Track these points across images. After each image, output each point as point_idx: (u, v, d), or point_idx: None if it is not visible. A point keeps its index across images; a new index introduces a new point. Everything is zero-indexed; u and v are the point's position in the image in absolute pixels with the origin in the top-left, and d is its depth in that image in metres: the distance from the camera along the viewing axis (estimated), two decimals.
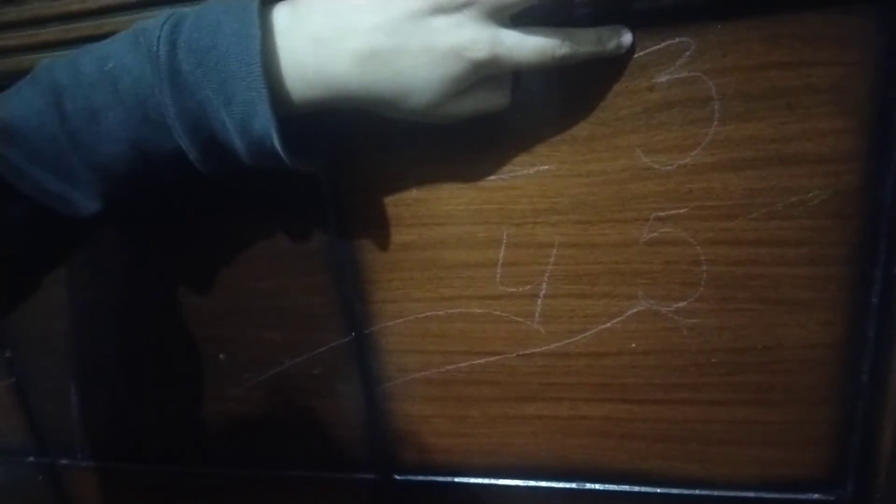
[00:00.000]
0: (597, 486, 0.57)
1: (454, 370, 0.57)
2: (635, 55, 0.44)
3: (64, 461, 0.75)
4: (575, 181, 0.48)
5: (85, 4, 0.50)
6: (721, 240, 0.47)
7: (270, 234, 0.57)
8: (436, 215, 0.52)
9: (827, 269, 0.46)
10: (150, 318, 0.65)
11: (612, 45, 0.43)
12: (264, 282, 0.59)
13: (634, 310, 0.51)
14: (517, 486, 0.59)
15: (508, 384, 0.56)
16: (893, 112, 0.42)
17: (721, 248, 0.47)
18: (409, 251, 0.54)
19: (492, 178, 0.50)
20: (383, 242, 0.54)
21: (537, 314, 0.53)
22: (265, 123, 0.39)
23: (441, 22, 0.38)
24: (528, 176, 0.49)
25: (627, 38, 0.44)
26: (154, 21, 0.41)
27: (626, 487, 0.56)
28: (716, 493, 0.54)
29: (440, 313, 0.55)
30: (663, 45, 0.44)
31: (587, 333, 0.52)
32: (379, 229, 0.54)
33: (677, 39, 0.43)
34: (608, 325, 0.52)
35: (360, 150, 0.52)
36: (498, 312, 0.54)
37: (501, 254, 0.52)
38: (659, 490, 0.56)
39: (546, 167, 0.49)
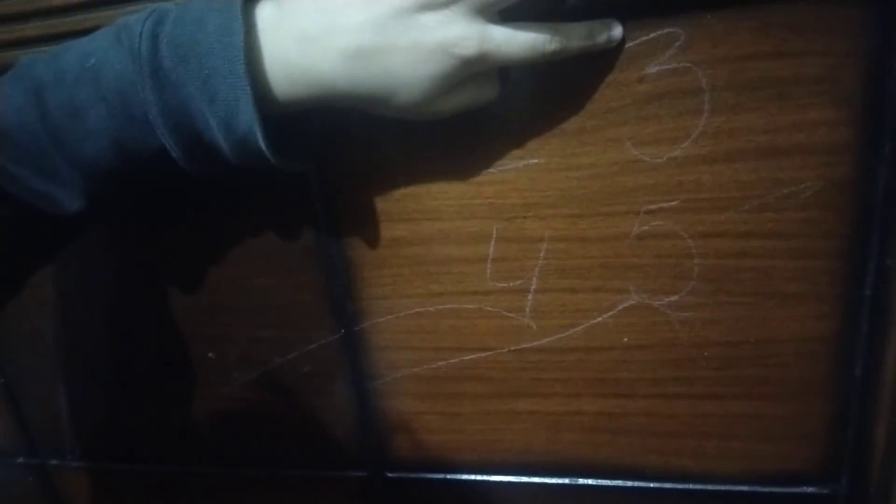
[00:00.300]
0: (589, 482, 0.57)
1: (445, 366, 0.56)
2: (625, 46, 0.44)
3: (54, 462, 0.75)
4: (565, 175, 0.48)
5: (67, 0, 0.50)
6: (713, 233, 0.47)
7: (260, 231, 0.57)
8: (425, 211, 0.52)
9: (819, 261, 0.46)
10: (139, 318, 0.64)
11: (602, 39, 0.43)
12: (254, 280, 0.58)
13: (626, 304, 0.50)
14: (509, 483, 0.59)
15: (500, 380, 0.56)
16: (885, 103, 0.42)
17: (713, 241, 0.47)
18: (399, 247, 0.54)
19: (481, 172, 0.50)
20: (373, 239, 0.54)
21: (528, 309, 0.53)
22: (249, 121, 0.39)
23: (429, 19, 0.38)
24: (517, 170, 0.49)
25: (618, 31, 0.43)
26: (137, 16, 0.40)
27: (618, 482, 0.56)
28: (709, 487, 0.54)
29: (430, 309, 0.55)
30: (653, 35, 0.43)
31: (579, 328, 0.52)
32: (368, 226, 0.54)
33: (667, 30, 0.43)
34: (600, 319, 0.51)
35: (348, 147, 0.51)
36: (489, 308, 0.53)
37: (491, 249, 0.51)
38: (652, 485, 0.55)
39: (535, 161, 0.48)
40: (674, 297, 0.49)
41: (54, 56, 0.41)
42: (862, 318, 0.47)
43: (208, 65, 0.38)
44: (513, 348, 0.54)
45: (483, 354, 0.55)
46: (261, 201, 0.56)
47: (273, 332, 0.60)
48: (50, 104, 0.40)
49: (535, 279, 0.51)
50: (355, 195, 0.53)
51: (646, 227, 0.48)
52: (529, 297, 0.52)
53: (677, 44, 0.43)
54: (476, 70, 0.41)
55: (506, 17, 0.40)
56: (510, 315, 0.53)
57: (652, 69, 0.44)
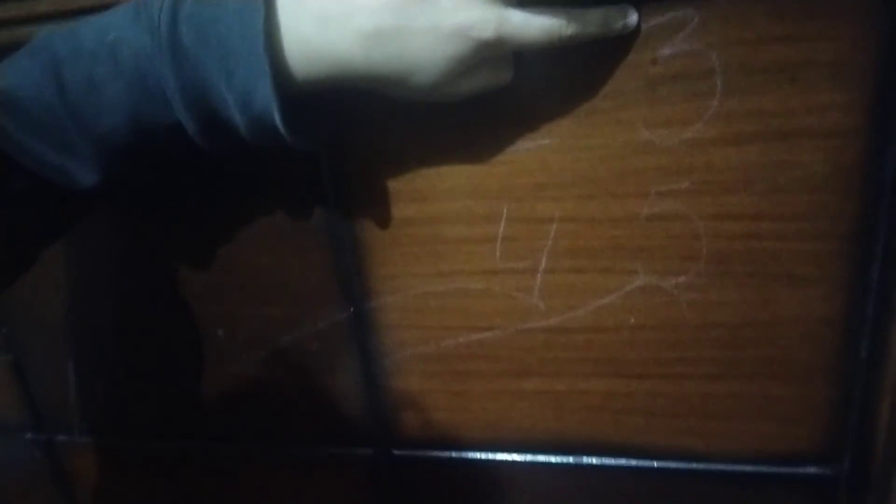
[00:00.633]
0: (594, 461, 0.58)
1: (453, 345, 0.57)
2: (639, 28, 0.44)
3: (62, 437, 0.76)
4: (576, 156, 0.48)
5: None
6: (722, 214, 0.47)
7: (270, 210, 0.57)
8: (436, 191, 0.52)
9: (827, 244, 0.46)
10: (148, 294, 0.65)
11: (618, 25, 0.43)
12: (264, 258, 0.59)
13: (634, 285, 0.51)
14: (515, 461, 0.60)
15: (507, 359, 0.56)
16: (895, 86, 0.42)
17: (722, 222, 0.47)
18: (409, 227, 0.54)
19: (492, 153, 0.50)
20: (383, 218, 0.54)
21: (536, 289, 0.53)
22: (266, 100, 0.39)
23: (447, 2, 0.38)
24: (528, 151, 0.49)
25: (633, 18, 0.43)
26: None
27: (623, 461, 0.57)
28: (713, 466, 0.55)
29: (439, 289, 0.55)
30: (666, 17, 0.43)
31: (586, 308, 0.52)
32: (378, 205, 0.54)
33: (681, 12, 0.43)
34: (607, 300, 0.52)
35: (360, 126, 0.52)
36: (497, 288, 0.54)
37: (501, 229, 0.52)
38: (656, 464, 0.56)
39: (547, 142, 0.48)
40: (681, 279, 0.50)
41: (72, 31, 0.41)
42: (868, 301, 0.47)
43: (227, 43, 0.38)
44: (520, 328, 0.55)
45: (491, 334, 0.56)
46: (272, 180, 0.56)
47: (282, 311, 0.60)
48: (67, 78, 0.40)
49: (544, 259, 0.52)
50: (366, 175, 0.53)
51: (655, 209, 0.48)
52: (538, 277, 0.53)
53: (690, 26, 0.43)
54: (492, 53, 0.41)
55: (522, 1, 0.40)
56: (518, 295, 0.54)
57: (665, 51, 0.44)
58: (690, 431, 0.54)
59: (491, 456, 0.60)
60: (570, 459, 0.58)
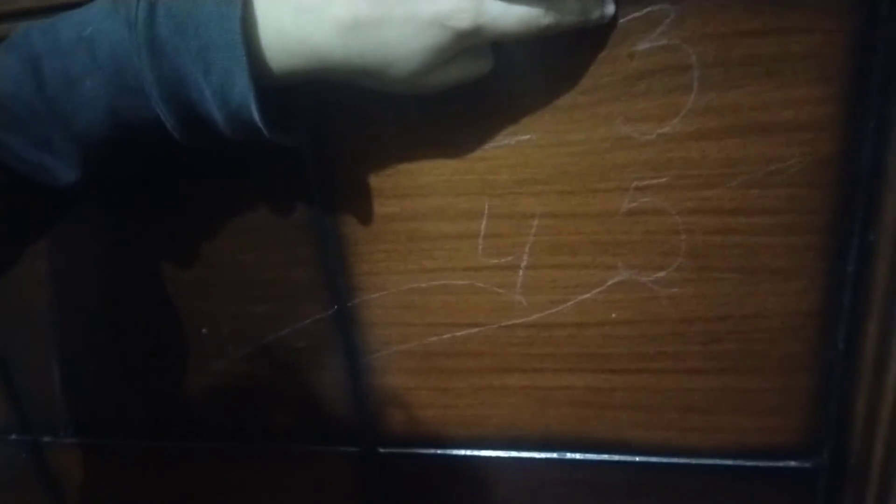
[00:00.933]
0: (577, 456, 0.58)
1: (437, 342, 0.57)
2: (616, 22, 0.44)
3: (47, 438, 0.75)
4: (556, 151, 0.49)
5: None
6: (700, 209, 0.47)
7: (253, 206, 0.57)
8: (418, 187, 0.52)
9: (804, 237, 0.47)
10: (132, 293, 0.64)
11: (595, 14, 0.43)
12: (247, 255, 0.59)
13: (615, 280, 0.51)
14: (499, 457, 0.60)
15: (490, 355, 0.56)
16: (870, 80, 0.42)
17: (700, 217, 0.48)
18: (392, 223, 0.54)
19: (473, 148, 0.50)
20: (366, 214, 0.54)
21: (519, 285, 0.53)
22: (244, 93, 0.39)
23: None
24: (509, 146, 0.49)
25: (610, 8, 0.44)
26: None
27: (605, 456, 0.57)
28: (694, 461, 0.55)
29: (423, 285, 0.55)
30: (644, 11, 0.44)
31: (568, 304, 0.53)
32: (362, 201, 0.54)
33: (657, 7, 0.43)
34: (589, 295, 0.52)
35: (342, 123, 0.52)
36: (480, 284, 0.54)
37: (483, 225, 0.52)
38: (638, 459, 0.56)
39: (527, 137, 0.49)
40: (661, 274, 0.50)
41: (50, 25, 0.41)
42: (844, 293, 0.48)
43: (204, 35, 0.38)
44: (503, 324, 0.55)
45: (474, 330, 0.56)
46: (255, 176, 0.56)
47: (266, 308, 0.60)
48: (46, 73, 0.40)
49: (525, 255, 0.52)
50: (349, 171, 0.53)
51: (635, 204, 0.49)
52: (520, 273, 0.53)
53: (668, 20, 0.44)
54: (470, 44, 0.41)
55: None
56: (501, 291, 0.54)
57: (642, 46, 0.44)
58: (671, 425, 0.54)
59: (476, 452, 0.61)
60: (555, 455, 0.58)
